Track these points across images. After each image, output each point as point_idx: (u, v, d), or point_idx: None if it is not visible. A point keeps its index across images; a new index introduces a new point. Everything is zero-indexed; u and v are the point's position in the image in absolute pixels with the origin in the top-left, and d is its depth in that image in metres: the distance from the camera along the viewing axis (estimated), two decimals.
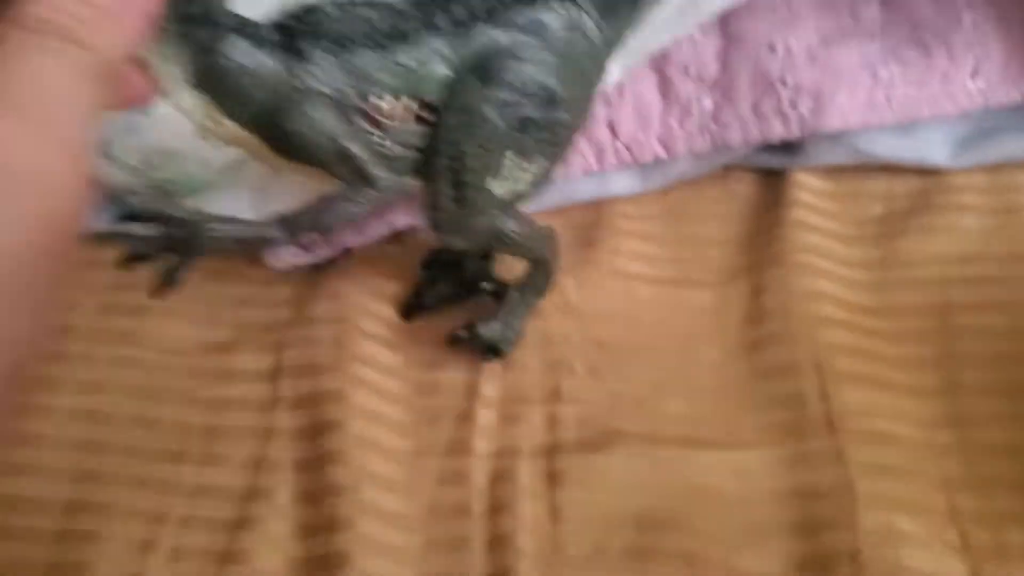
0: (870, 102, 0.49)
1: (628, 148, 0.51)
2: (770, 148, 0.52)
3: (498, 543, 0.41)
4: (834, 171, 0.51)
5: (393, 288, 0.50)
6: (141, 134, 0.50)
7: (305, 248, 0.51)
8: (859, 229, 0.50)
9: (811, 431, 0.42)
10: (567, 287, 0.49)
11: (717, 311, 0.48)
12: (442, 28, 0.38)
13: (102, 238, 0.39)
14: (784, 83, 0.51)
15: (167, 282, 0.40)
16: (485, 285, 0.48)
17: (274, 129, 0.38)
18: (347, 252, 0.52)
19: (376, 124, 0.38)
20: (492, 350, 0.46)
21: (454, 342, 0.47)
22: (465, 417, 0.45)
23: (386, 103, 0.38)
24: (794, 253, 0.48)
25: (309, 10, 0.38)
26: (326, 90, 0.38)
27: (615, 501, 0.42)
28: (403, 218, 0.50)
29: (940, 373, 0.44)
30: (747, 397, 0.44)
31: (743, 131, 0.50)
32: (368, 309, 0.49)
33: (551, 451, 0.44)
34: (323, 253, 0.51)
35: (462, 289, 0.49)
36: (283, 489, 0.44)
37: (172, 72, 0.37)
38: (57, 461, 0.45)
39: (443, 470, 0.44)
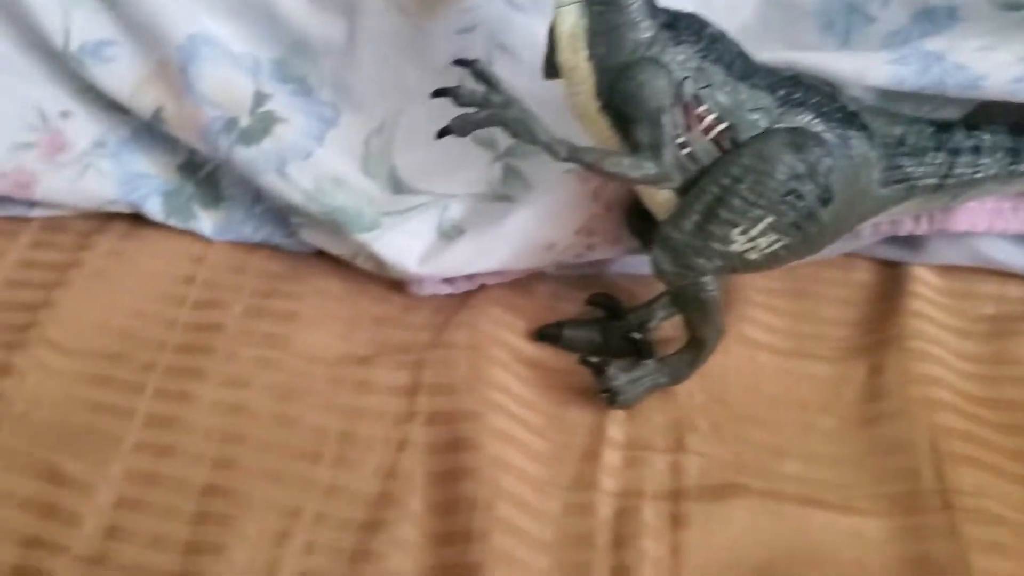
0: (997, 210, 0.52)
1: None
2: (892, 240, 0.54)
3: (621, 574, 0.43)
4: (950, 269, 0.54)
5: (521, 326, 0.53)
6: (314, 160, 0.54)
7: (448, 281, 0.54)
8: (971, 325, 0.52)
9: (925, 505, 0.44)
10: None
11: (835, 384, 0.50)
12: (778, 95, 0.43)
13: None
14: None
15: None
16: (636, 335, 0.51)
17: (620, 76, 0.42)
18: (482, 288, 0.55)
19: (687, 124, 0.42)
20: (609, 398, 0.48)
21: (583, 363, 0.49)
22: (592, 455, 0.47)
23: (707, 114, 0.42)
24: (911, 340, 0.50)
25: (696, 16, 0.44)
26: (676, 72, 0.42)
27: (735, 549, 0.43)
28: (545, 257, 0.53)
29: None
30: (863, 467, 0.46)
31: (874, 223, 0.52)
32: (502, 340, 0.52)
33: (675, 496, 0.45)
34: (462, 286, 0.54)
35: (603, 340, 0.51)
36: (415, 498, 0.45)
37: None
38: (198, 447, 0.48)
39: (569, 502, 0.45)
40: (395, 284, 0.55)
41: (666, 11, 0.43)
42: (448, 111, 0.52)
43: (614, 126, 0.43)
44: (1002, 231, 0.52)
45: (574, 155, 0.42)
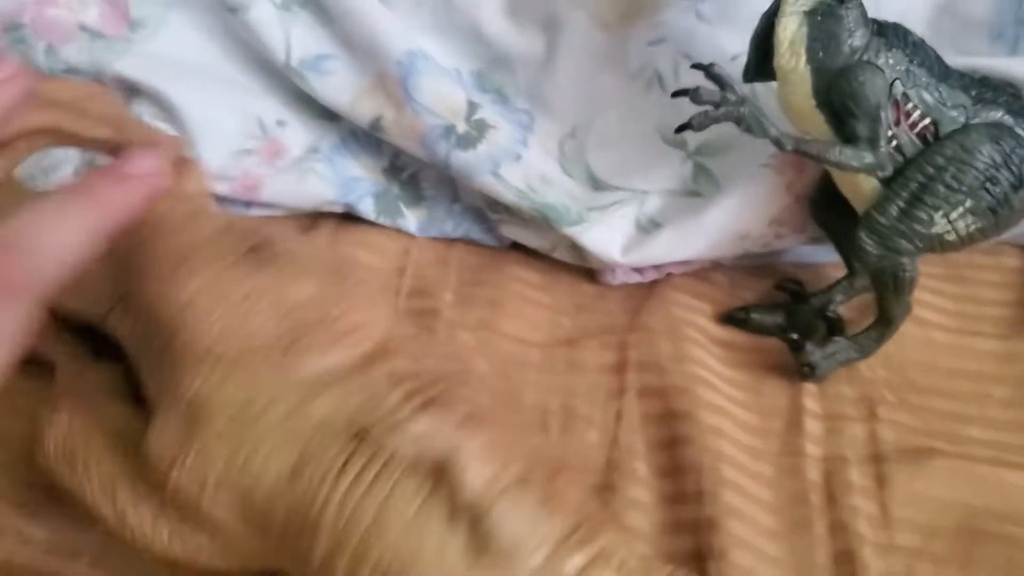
0: None
1: None
2: None
3: (839, 528, 0.47)
4: None
5: (708, 310, 0.58)
6: (523, 161, 0.59)
7: (637, 270, 0.59)
8: None
9: None
10: None
11: (1004, 358, 0.55)
12: (972, 95, 0.48)
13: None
14: None
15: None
16: (830, 313, 0.56)
17: (839, 77, 0.47)
18: (668, 277, 0.59)
19: (896, 119, 0.48)
20: (807, 372, 0.53)
21: (783, 340, 0.54)
22: (794, 425, 0.52)
23: (914, 111, 0.48)
24: None
25: (900, 25, 0.49)
26: (888, 73, 0.47)
27: (937, 505, 0.48)
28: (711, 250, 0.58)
29: None
30: None
31: None
32: (694, 323, 0.57)
33: (875, 459, 0.50)
34: (650, 275, 0.59)
35: (787, 322, 0.56)
36: (641, 463, 0.50)
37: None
38: None
39: (781, 466, 0.50)
40: (587, 273, 0.60)
41: (875, 21, 0.48)
42: (637, 114, 0.58)
43: (829, 122, 0.48)
44: None
45: (800, 147, 0.48)
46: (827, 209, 0.55)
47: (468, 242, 0.62)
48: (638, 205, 0.58)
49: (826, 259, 0.59)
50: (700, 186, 0.58)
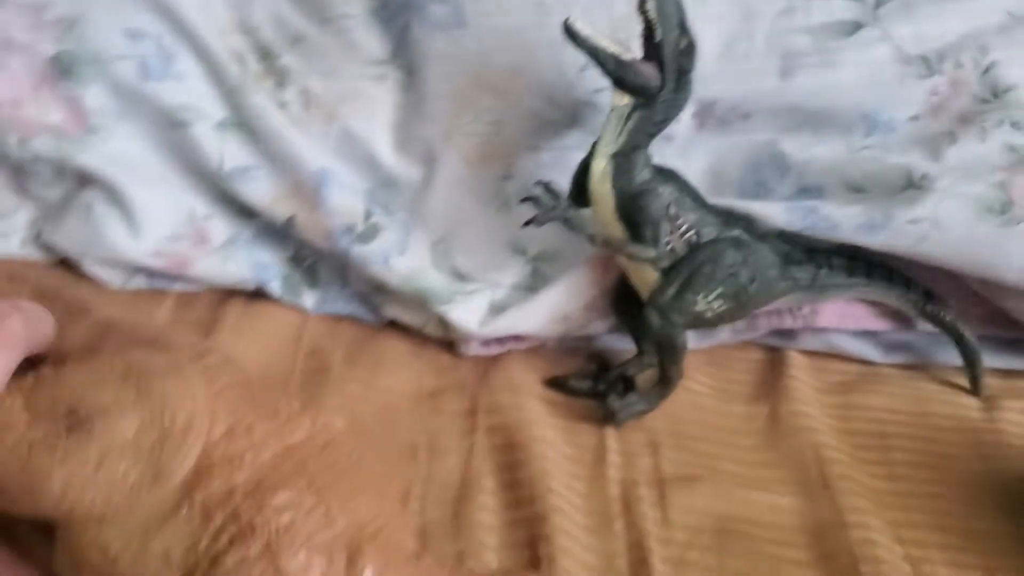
0: (843, 314, 0.79)
1: None
2: (775, 333, 0.80)
3: (632, 527, 0.64)
4: (813, 353, 0.80)
5: (538, 376, 0.76)
6: (407, 255, 0.76)
7: (485, 345, 0.76)
8: (827, 387, 0.77)
9: (815, 489, 0.67)
10: None
11: (748, 417, 0.74)
12: (723, 219, 0.70)
13: None
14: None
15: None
16: (627, 375, 0.74)
17: (635, 198, 0.67)
18: (509, 352, 0.77)
19: (671, 231, 0.68)
20: (609, 416, 0.71)
21: (594, 394, 0.73)
22: (600, 458, 0.69)
23: (683, 225, 0.69)
24: (792, 392, 0.75)
25: (673, 168, 0.70)
26: (665, 198, 0.68)
27: (702, 513, 0.66)
28: (548, 338, 0.77)
29: None
30: (772, 466, 0.70)
31: (767, 321, 0.79)
32: (528, 383, 0.75)
33: (659, 482, 0.68)
34: (495, 350, 0.77)
35: (594, 385, 0.74)
36: (489, 480, 0.66)
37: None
38: None
39: (591, 486, 0.67)
40: (448, 347, 0.78)
41: (657, 166, 0.70)
42: (491, 229, 0.77)
43: (626, 229, 0.69)
44: (843, 328, 0.80)
45: (606, 243, 0.68)
46: (624, 304, 0.75)
47: (354, 319, 0.79)
48: (491, 293, 0.77)
49: (624, 346, 0.79)
50: (536, 282, 0.77)
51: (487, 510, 0.64)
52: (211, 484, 0.41)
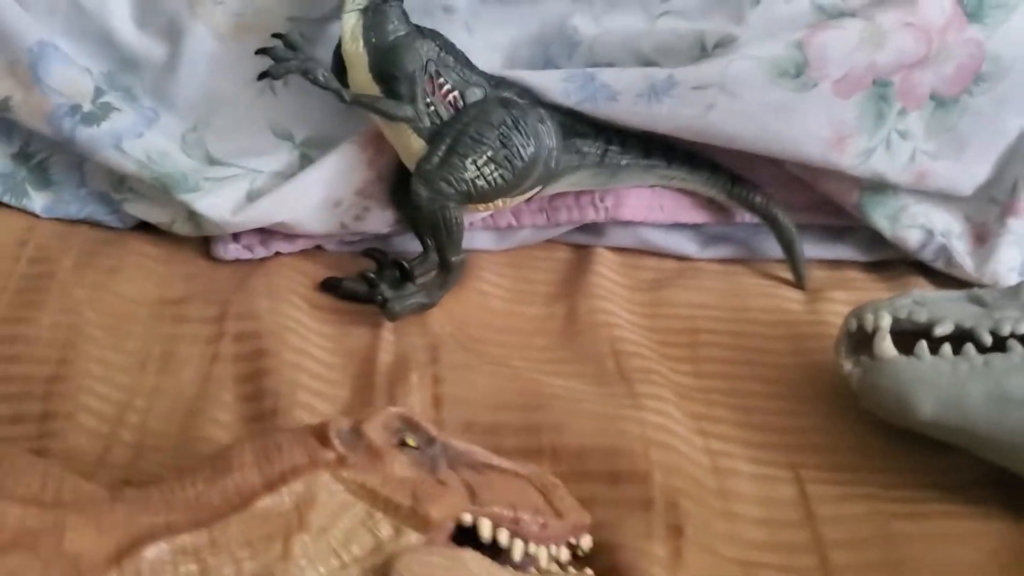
0: (651, 206, 0.70)
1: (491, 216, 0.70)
2: (581, 229, 0.71)
3: (394, 402, 0.55)
4: (622, 250, 0.71)
5: (308, 281, 0.65)
6: (145, 139, 0.65)
7: (248, 248, 0.66)
8: (636, 284, 0.69)
9: (612, 380, 0.59)
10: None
11: (544, 319, 0.65)
12: (493, 82, 0.63)
13: None
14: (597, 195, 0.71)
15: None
16: (404, 264, 0.64)
17: (387, 52, 0.60)
18: (277, 255, 0.66)
19: (431, 91, 0.60)
20: (381, 303, 0.61)
21: (361, 277, 0.64)
22: (370, 360, 0.59)
23: (444, 85, 0.61)
24: (594, 289, 0.67)
25: (436, 30, 0.63)
26: (422, 53, 0.60)
27: (481, 393, 0.57)
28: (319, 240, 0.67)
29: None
30: (568, 362, 0.61)
31: (568, 214, 0.70)
32: (294, 288, 0.64)
33: (435, 376, 0.58)
34: (259, 252, 0.66)
35: (370, 288, 0.63)
36: (227, 393, 0.56)
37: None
38: (41, 353, 0.56)
39: (352, 388, 0.58)
40: (202, 251, 0.66)
41: (416, 25, 0.61)
42: (251, 113, 0.67)
43: (383, 91, 0.60)
44: (655, 221, 0.71)
45: (356, 99, 0.59)
46: (403, 194, 0.65)
47: (93, 223, 0.67)
48: (250, 181, 0.65)
49: (414, 248, 0.69)
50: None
51: (219, 424, 0.54)
52: None
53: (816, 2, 0.64)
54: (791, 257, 0.70)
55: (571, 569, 0.47)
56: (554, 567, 0.46)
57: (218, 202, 0.63)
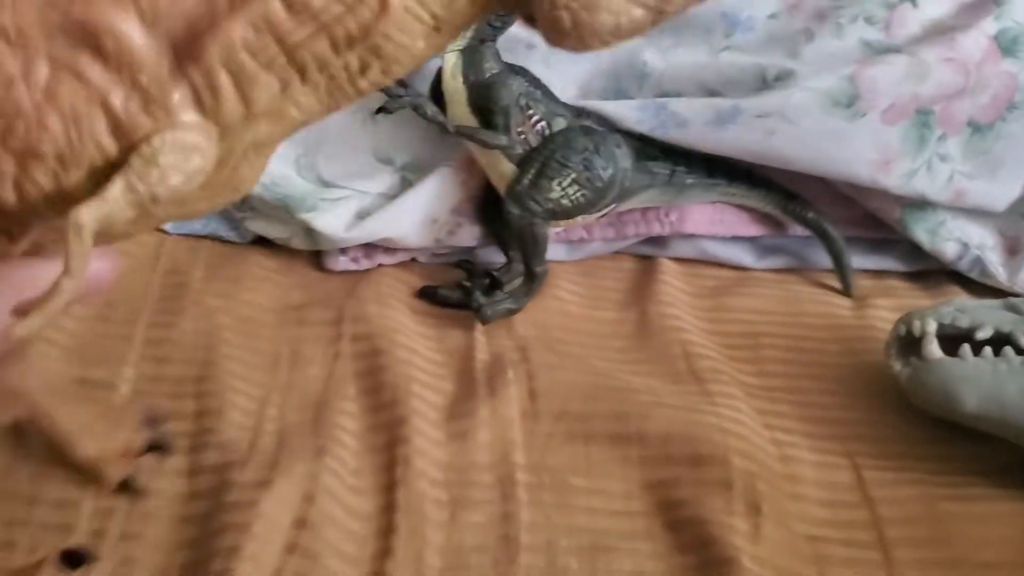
0: (711, 220, 0.77)
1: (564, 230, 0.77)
2: (646, 242, 0.78)
3: (497, 424, 0.62)
4: (684, 260, 0.78)
5: (408, 288, 0.73)
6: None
7: (354, 260, 0.73)
8: (699, 291, 0.76)
9: (686, 380, 0.66)
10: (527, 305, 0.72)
11: (618, 322, 0.72)
12: (574, 111, 0.71)
13: None
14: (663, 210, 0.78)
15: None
16: (494, 274, 0.71)
17: (483, 89, 0.67)
18: (379, 266, 0.74)
19: (522, 121, 0.67)
20: (476, 309, 0.68)
21: (459, 287, 0.71)
22: (468, 357, 0.67)
23: (534, 116, 0.68)
24: (662, 296, 0.73)
25: (523, 67, 0.70)
26: (514, 89, 0.68)
27: (569, 384, 0.64)
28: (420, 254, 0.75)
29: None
30: (645, 362, 0.68)
31: (635, 227, 0.77)
32: (397, 294, 0.72)
33: (528, 368, 0.65)
34: (365, 264, 0.74)
35: (465, 295, 0.71)
36: (350, 387, 0.63)
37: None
38: (187, 354, 0.64)
39: (458, 383, 0.65)
40: (313, 263, 0.74)
41: (507, 63, 0.69)
42: (357, 139, 0.74)
43: (480, 121, 0.68)
44: (715, 234, 0.78)
45: (459, 130, 0.67)
46: (490, 212, 0.73)
47: (215, 238, 0.74)
48: (359, 201, 0.73)
49: (496, 259, 0.75)
50: (404, 192, 0.73)
51: (347, 414, 0.61)
52: None
53: (864, 39, 0.71)
54: (839, 267, 0.76)
55: None
56: None
57: (333, 220, 0.71)
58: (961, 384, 0.59)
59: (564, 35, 0.37)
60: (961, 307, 0.62)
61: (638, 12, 0.37)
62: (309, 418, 0.61)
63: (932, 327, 0.61)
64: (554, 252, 0.77)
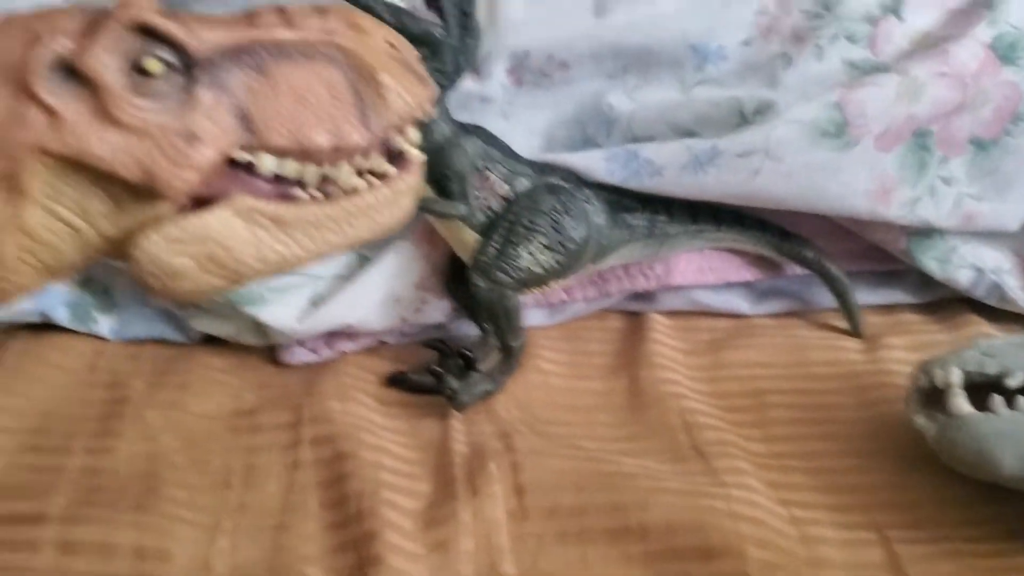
0: (700, 269, 0.70)
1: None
2: (633, 297, 0.72)
3: (482, 533, 0.54)
4: (675, 313, 0.72)
5: (374, 378, 0.66)
6: None
7: (313, 351, 0.66)
8: (694, 347, 0.69)
9: (686, 456, 0.59)
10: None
11: (606, 393, 0.65)
12: (537, 169, 0.64)
13: None
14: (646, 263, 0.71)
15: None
16: (466, 352, 0.64)
17: (436, 154, 0.60)
18: (342, 354, 0.67)
19: (480, 186, 0.61)
20: (450, 396, 0.61)
21: (430, 372, 0.63)
22: (445, 451, 0.59)
23: (494, 179, 0.62)
24: (654, 358, 0.67)
25: (479, 126, 0.64)
26: (470, 151, 0.61)
27: (557, 474, 0.57)
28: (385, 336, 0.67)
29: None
30: (638, 439, 0.61)
31: (619, 284, 0.70)
32: (362, 386, 0.64)
33: (513, 465, 0.58)
34: (325, 354, 0.67)
35: (437, 381, 0.63)
36: (312, 500, 0.56)
37: None
38: (123, 485, 0.56)
39: (434, 482, 0.57)
40: (268, 357, 0.67)
41: (459, 122, 0.62)
42: None
43: (435, 190, 0.61)
44: (705, 284, 0.71)
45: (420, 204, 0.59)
46: (457, 283, 0.66)
47: (160, 341, 0.67)
48: (311, 287, 0.66)
49: (470, 332, 0.69)
50: (361, 271, 0.66)
51: (309, 539, 0.54)
52: None
53: (848, 59, 0.64)
54: (845, 306, 0.70)
55: (371, 178, 0.41)
56: (357, 180, 0.41)
57: (283, 311, 0.64)
58: (996, 441, 0.51)
59: (155, 293, 0.41)
60: (987, 350, 0.55)
61: (217, 281, 0.41)
62: (266, 549, 0.53)
63: (957, 377, 0.54)
64: (533, 317, 0.71)
